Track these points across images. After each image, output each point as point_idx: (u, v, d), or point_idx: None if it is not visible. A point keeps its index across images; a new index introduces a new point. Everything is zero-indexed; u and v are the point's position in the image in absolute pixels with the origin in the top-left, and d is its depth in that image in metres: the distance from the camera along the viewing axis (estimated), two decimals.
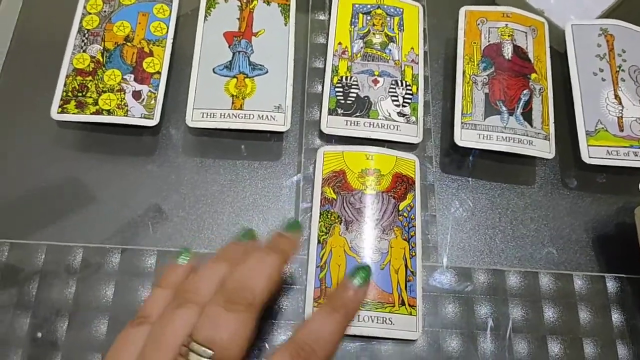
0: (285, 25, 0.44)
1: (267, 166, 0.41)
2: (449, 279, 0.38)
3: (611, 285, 0.39)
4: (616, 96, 0.43)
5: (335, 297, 0.28)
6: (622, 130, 0.42)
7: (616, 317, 0.38)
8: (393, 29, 0.45)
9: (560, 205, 0.42)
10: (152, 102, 0.40)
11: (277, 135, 0.42)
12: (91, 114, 0.39)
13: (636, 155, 0.41)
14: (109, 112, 0.39)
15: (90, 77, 0.40)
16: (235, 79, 0.41)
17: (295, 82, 0.43)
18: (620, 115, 0.43)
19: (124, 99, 0.40)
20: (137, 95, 0.40)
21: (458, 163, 0.43)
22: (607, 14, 0.49)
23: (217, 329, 0.25)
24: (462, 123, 0.42)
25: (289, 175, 0.41)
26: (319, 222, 0.38)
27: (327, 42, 0.44)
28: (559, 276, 0.39)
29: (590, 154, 0.41)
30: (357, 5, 0.45)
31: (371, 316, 0.35)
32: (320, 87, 0.43)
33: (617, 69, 0.44)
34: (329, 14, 0.45)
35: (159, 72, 0.41)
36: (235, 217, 0.39)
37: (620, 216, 0.42)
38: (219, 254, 0.29)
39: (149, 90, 0.40)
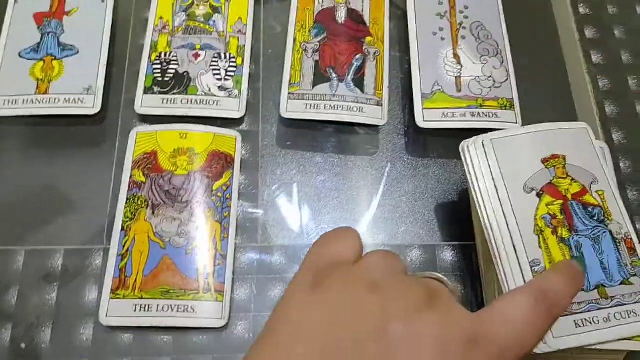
0: (103, 2, 0.41)
1: (84, 151, 0.39)
2: (272, 260, 0.36)
3: (444, 254, 0.37)
4: (455, 55, 0.41)
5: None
6: (459, 91, 0.40)
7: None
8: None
9: (402, 173, 0.40)
10: None
11: (94, 118, 0.39)
12: None
13: (473, 116, 0.39)
14: None
15: None
16: (42, 62, 0.39)
17: (118, 62, 0.41)
18: (459, 74, 0.40)
19: None
20: None
21: (290, 136, 0.40)
22: None
23: None
24: (289, 94, 0.39)
25: (107, 160, 0.39)
26: (125, 207, 0.35)
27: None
28: (392, 249, 0.37)
29: (425, 117, 0.39)
30: None
31: (172, 305, 0.33)
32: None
33: (458, 27, 0.42)
34: None
35: None
36: (51, 205, 0.37)
37: (461, 182, 0.39)
38: None
39: None
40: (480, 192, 0.33)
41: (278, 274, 0.36)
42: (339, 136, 0.41)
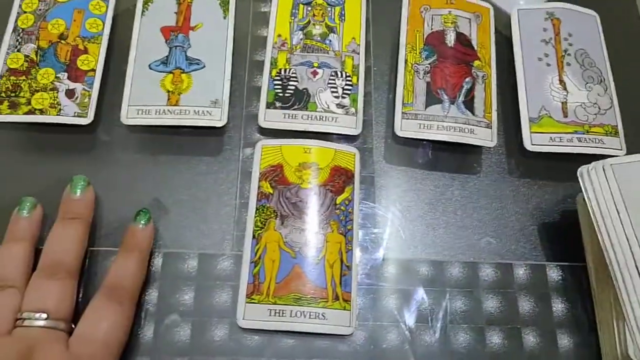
0: (225, 18, 0.43)
1: (207, 161, 0.41)
2: (388, 272, 0.38)
3: (552, 273, 0.38)
4: (561, 81, 0.43)
5: (127, 241, 0.35)
6: (566, 116, 0.42)
7: (557, 305, 0.37)
8: (334, 19, 0.44)
9: (505, 194, 0.42)
10: (86, 100, 0.40)
11: (217, 130, 0.41)
12: (24, 114, 0.39)
13: (580, 141, 0.41)
14: (41, 112, 0.39)
15: (23, 77, 0.40)
16: (171, 75, 0.41)
17: (236, 76, 0.43)
18: (565, 100, 0.42)
19: (56, 97, 0.39)
20: (70, 93, 0.40)
21: (400, 153, 0.42)
22: None
23: (45, 297, 0.31)
24: (402, 113, 0.41)
25: (229, 170, 0.41)
26: (255, 217, 0.37)
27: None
28: (499, 266, 0.39)
29: (533, 141, 0.41)
30: None
31: (304, 311, 0.35)
32: (261, 81, 0.42)
33: (563, 54, 0.43)
34: (270, 5, 0.44)
35: (93, 70, 0.41)
36: (175, 211, 0.39)
37: (564, 204, 0.41)
38: (10, 234, 0.34)
39: (83, 88, 0.40)
40: (602, 216, 0.34)
41: (392, 285, 0.38)
42: (445, 155, 0.43)
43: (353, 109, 0.41)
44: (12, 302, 0.32)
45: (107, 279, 0.34)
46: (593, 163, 0.36)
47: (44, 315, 0.31)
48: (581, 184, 0.36)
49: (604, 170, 0.35)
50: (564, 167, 0.42)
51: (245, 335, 0.35)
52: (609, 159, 0.36)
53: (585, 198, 0.35)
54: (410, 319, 0.37)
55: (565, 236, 0.40)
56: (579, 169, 0.36)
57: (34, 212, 0.36)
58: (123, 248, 0.35)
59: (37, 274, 0.33)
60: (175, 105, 0.40)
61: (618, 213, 0.34)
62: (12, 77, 0.40)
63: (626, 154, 0.41)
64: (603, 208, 0.34)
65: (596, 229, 0.34)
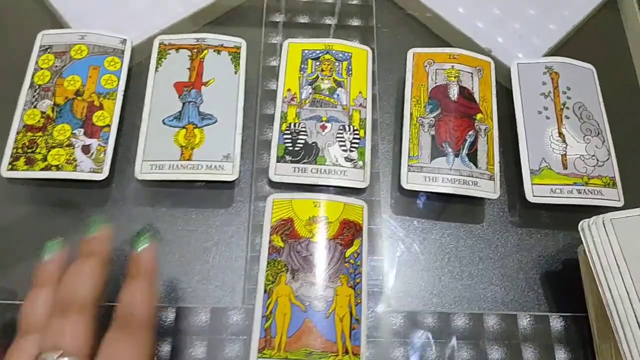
0: (236, 73, 0.45)
1: (218, 214, 0.42)
2: (395, 324, 0.39)
3: (555, 324, 0.39)
4: (560, 134, 0.44)
5: (130, 269, 0.34)
6: (565, 168, 0.43)
7: (560, 356, 0.38)
8: (341, 74, 0.45)
9: (508, 243, 0.43)
10: (102, 155, 0.41)
11: (228, 183, 0.43)
12: (40, 170, 0.40)
13: (579, 193, 0.42)
14: (57, 168, 0.40)
15: (40, 133, 0.41)
16: (184, 130, 0.42)
17: (246, 129, 0.44)
18: (564, 153, 0.43)
19: (72, 153, 0.40)
20: (86, 149, 0.41)
21: (406, 205, 0.43)
22: (554, 52, 0.50)
23: (59, 335, 0.31)
24: (408, 166, 0.42)
25: (239, 223, 0.42)
26: (266, 271, 0.38)
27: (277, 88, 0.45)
28: (504, 317, 0.40)
29: (535, 192, 0.42)
30: (306, 51, 0.46)
31: None
32: (271, 134, 0.44)
33: (562, 107, 0.45)
34: (280, 60, 0.46)
35: (108, 126, 0.42)
36: (187, 264, 0.40)
37: (565, 253, 0.42)
38: (37, 279, 0.34)
39: (99, 144, 0.41)
40: (602, 269, 0.36)
41: (400, 337, 0.39)
42: (450, 206, 0.44)
43: (361, 162, 0.42)
44: (31, 346, 0.31)
45: (116, 310, 0.32)
46: (593, 217, 0.37)
47: (60, 353, 0.31)
48: (582, 237, 0.37)
49: (604, 224, 0.36)
50: (565, 217, 0.43)
51: None
52: (608, 213, 0.37)
53: (586, 251, 0.37)
54: None
55: (568, 285, 0.41)
56: (580, 223, 0.37)
57: (57, 257, 0.35)
58: (128, 276, 0.34)
59: (50, 314, 0.32)
60: (188, 160, 0.41)
61: (618, 267, 0.35)
62: (28, 133, 0.41)
63: (624, 205, 0.42)
64: (604, 262, 0.36)
65: (597, 282, 0.36)
